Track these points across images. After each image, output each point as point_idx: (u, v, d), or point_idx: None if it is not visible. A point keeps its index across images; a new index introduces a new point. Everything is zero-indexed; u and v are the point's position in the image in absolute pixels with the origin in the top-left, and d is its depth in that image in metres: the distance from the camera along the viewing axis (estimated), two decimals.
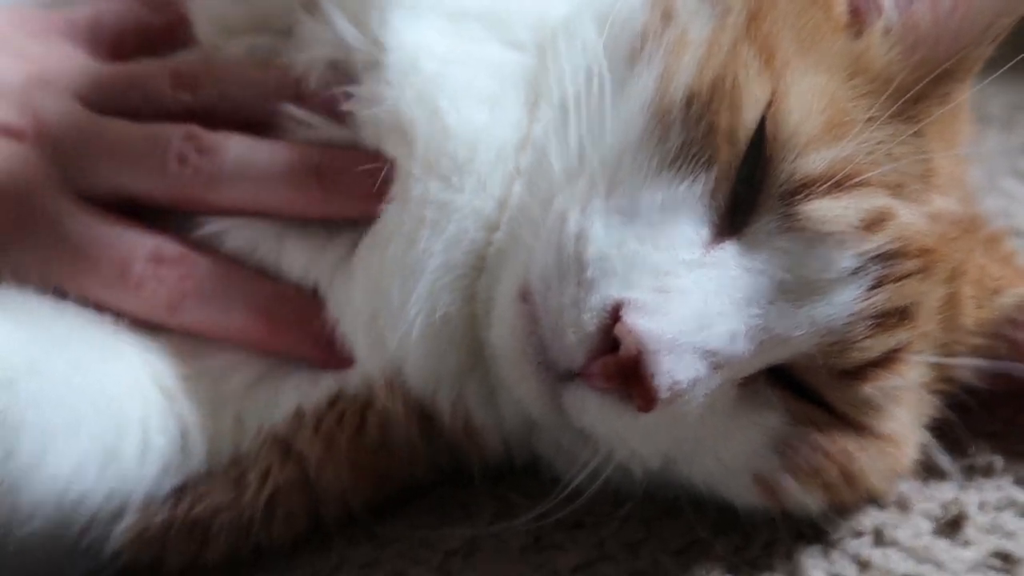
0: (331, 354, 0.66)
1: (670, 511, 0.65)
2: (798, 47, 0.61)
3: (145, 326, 0.65)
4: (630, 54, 0.62)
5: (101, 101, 0.67)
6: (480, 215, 0.63)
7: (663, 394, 0.53)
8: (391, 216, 0.64)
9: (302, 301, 0.66)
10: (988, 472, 0.66)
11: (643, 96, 0.60)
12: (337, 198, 0.65)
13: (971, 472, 0.65)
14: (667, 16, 0.63)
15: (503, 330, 0.61)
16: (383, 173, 0.64)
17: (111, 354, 0.62)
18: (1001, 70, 0.65)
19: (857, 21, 0.64)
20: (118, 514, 0.61)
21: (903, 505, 0.64)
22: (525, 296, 0.59)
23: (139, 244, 0.64)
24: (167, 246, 0.65)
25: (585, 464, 0.62)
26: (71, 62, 0.69)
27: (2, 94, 0.65)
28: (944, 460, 0.66)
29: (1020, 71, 0.65)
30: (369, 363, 0.65)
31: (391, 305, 0.63)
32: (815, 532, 0.62)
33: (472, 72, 0.65)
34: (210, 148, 0.65)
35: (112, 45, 0.71)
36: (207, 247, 0.66)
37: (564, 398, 0.59)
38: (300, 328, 0.65)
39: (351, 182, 0.64)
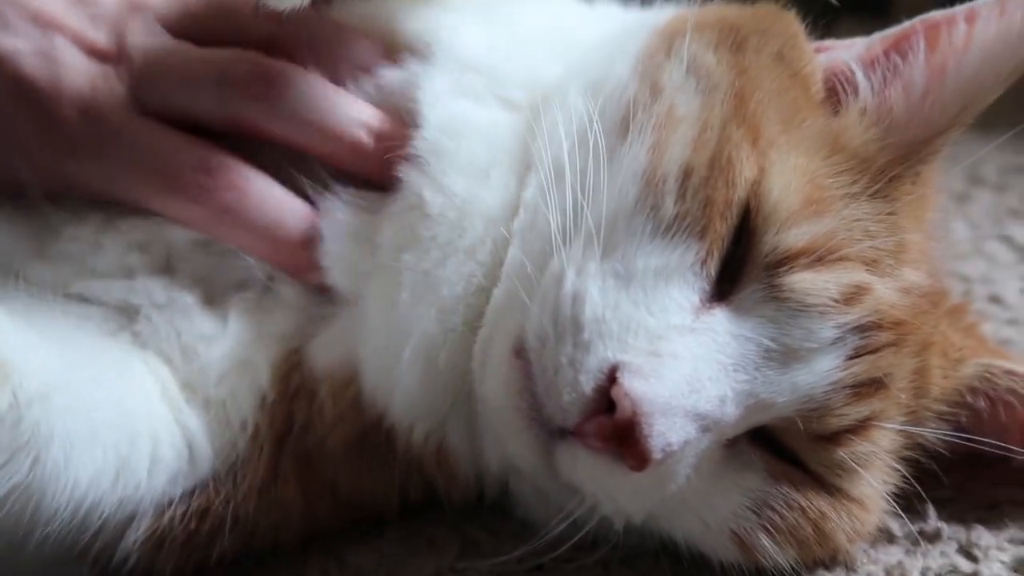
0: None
1: (627, 559, 0.67)
2: (782, 126, 0.63)
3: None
4: (620, 123, 0.65)
5: (189, 28, 0.69)
6: (471, 281, 0.66)
7: (656, 455, 0.56)
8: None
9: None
10: (934, 538, 0.68)
11: (635, 165, 0.62)
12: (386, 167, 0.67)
13: (918, 537, 0.67)
14: (655, 90, 0.65)
15: (497, 384, 0.63)
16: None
17: (124, 369, 0.65)
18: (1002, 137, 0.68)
19: (833, 99, 0.67)
20: (130, 521, 0.64)
21: (849, 566, 0.66)
22: (519, 352, 0.61)
23: (190, 152, 0.66)
24: (214, 156, 0.66)
25: (568, 514, 0.64)
26: None
27: (98, 16, 0.69)
28: (894, 524, 0.68)
29: (1016, 136, 0.68)
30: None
31: (392, 347, 0.66)
32: None
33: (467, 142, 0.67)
34: (272, 77, 0.66)
35: None
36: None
37: (556, 455, 0.61)
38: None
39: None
